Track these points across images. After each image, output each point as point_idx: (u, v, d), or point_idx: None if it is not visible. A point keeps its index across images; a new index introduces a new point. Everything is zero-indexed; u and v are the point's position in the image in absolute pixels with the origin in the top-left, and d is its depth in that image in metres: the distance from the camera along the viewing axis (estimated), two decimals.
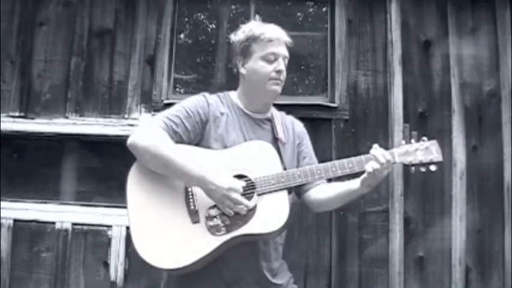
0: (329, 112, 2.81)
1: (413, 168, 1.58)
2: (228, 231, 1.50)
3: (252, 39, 1.67)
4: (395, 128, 2.79)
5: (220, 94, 1.76)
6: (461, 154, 2.76)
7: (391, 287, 2.69)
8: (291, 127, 1.76)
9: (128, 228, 2.74)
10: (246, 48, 1.68)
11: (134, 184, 1.58)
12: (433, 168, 1.57)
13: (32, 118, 2.90)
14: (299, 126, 1.80)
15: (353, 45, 2.89)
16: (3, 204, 2.80)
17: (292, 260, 1.75)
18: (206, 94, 1.71)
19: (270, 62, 1.65)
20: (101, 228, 2.79)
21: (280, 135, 1.68)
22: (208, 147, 1.61)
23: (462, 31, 2.86)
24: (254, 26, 1.70)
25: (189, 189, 1.56)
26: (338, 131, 2.79)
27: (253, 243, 1.58)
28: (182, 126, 1.59)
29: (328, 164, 1.57)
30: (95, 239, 2.79)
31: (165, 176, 1.57)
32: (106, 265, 2.77)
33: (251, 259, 1.59)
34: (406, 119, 2.80)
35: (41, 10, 2.99)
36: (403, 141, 1.60)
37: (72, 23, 2.97)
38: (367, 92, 2.86)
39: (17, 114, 2.90)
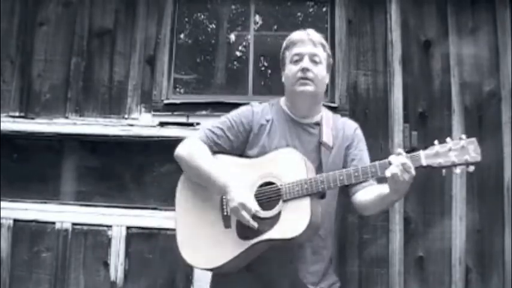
0: None
1: (444, 170, 1.49)
2: (254, 236, 1.56)
3: (284, 49, 1.76)
4: (395, 128, 2.79)
5: (272, 101, 1.82)
6: None
7: (391, 287, 2.69)
8: (342, 130, 1.76)
9: (128, 228, 2.77)
10: (282, 58, 1.78)
11: (181, 190, 1.74)
12: (470, 169, 1.48)
13: (32, 118, 2.90)
14: (350, 129, 1.79)
15: (353, 45, 2.89)
16: (3, 204, 2.80)
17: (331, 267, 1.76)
18: (254, 103, 1.78)
19: (296, 63, 1.70)
20: (101, 228, 2.79)
21: (326, 139, 1.69)
22: (250, 155, 1.69)
23: (462, 31, 2.86)
24: (289, 36, 1.77)
25: (224, 196, 1.64)
26: None
27: (289, 248, 1.61)
28: (224, 137, 1.70)
29: (351, 169, 1.57)
30: (95, 239, 2.79)
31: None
32: (106, 265, 2.77)
33: (287, 262, 1.63)
34: (406, 119, 2.80)
35: (41, 10, 3.00)
36: (436, 141, 1.50)
37: (72, 23, 2.97)
38: (367, 92, 2.86)
39: (17, 114, 2.90)
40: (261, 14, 3.14)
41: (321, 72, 1.70)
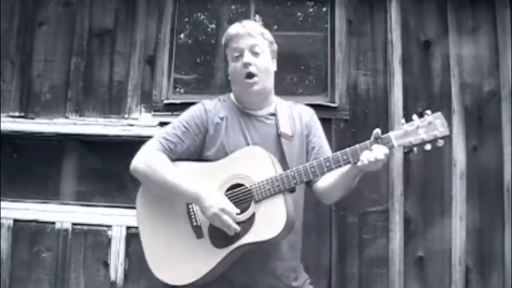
0: (329, 112, 2.81)
1: (415, 149, 1.48)
2: (230, 243, 1.51)
3: (225, 46, 1.71)
4: (395, 128, 2.78)
5: (222, 97, 1.76)
6: (461, 154, 2.76)
7: (391, 287, 2.69)
8: (299, 118, 1.73)
9: (128, 228, 2.77)
10: (225, 56, 1.72)
11: (141, 207, 1.65)
12: (439, 144, 1.46)
13: (32, 118, 2.90)
14: (307, 116, 1.76)
15: (353, 45, 2.89)
16: (3, 204, 2.80)
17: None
18: (205, 101, 1.72)
19: (237, 59, 1.65)
20: (100, 228, 2.79)
21: (285, 129, 1.65)
22: (209, 157, 1.62)
23: (462, 31, 2.86)
24: (227, 31, 1.72)
25: (190, 206, 1.58)
26: (338, 131, 2.79)
27: (263, 247, 1.56)
28: (181, 144, 1.62)
29: (322, 159, 1.54)
30: (95, 239, 2.79)
31: (167, 196, 1.60)
32: (106, 265, 2.77)
33: (263, 263, 1.59)
34: (406, 119, 2.79)
35: (41, 10, 3.00)
36: (403, 120, 1.51)
37: (72, 23, 2.97)
38: (367, 92, 2.86)
39: (17, 114, 2.90)
40: (261, 14, 3.14)
41: (264, 63, 1.65)
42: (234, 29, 1.68)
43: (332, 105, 2.82)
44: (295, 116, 1.73)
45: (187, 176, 1.58)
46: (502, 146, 2.75)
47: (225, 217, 1.48)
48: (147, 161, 1.60)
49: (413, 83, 2.84)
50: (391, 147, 1.48)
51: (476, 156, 2.76)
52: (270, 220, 1.49)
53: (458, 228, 2.71)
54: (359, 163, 1.47)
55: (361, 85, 2.87)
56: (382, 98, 2.84)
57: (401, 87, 2.82)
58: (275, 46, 1.74)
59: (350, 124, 2.81)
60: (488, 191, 2.74)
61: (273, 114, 1.70)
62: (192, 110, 1.70)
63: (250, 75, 1.62)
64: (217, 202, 1.50)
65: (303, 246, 2.59)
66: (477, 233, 2.71)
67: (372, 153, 1.46)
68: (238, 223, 1.51)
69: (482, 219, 2.72)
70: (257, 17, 3.11)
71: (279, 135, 1.64)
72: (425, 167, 2.77)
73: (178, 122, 1.67)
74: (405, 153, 2.71)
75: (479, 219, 2.72)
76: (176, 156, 1.62)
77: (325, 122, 2.76)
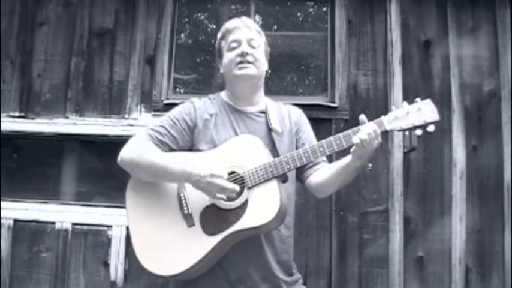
0: (329, 112, 2.81)
1: (406, 133, 1.50)
2: (222, 230, 1.49)
3: (220, 39, 1.74)
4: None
5: (212, 96, 1.78)
6: (461, 154, 2.76)
7: (391, 287, 2.69)
8: (288, 116, 1.74)
9: (128, 228, 2.76)
10: (219, 49, 1.75)
11: (131, 198, 1.63)
12: (430, 129, 1.47)
13: (32, 118, 2.90)
14: (296, 114, 1.77)
15: (353, 45, 2.89)
16: (3, 204, 2.80)
17: (293, 260, 1.74)
18: (194, 99, 1.73)
19: (233, 49, 1.67)
20: (101, 228, 2.79)
21: (275, 125, 1.66)
22: (200, 150, 1.61)
23: (462, 31, 2.86)
24: (223, 25, 1.75)
25: (181, 195, 1.58)
26: (338, 131, 2.76)
27: (256, 239, 1.56)
28: (168, 135, 1.62)
29: (315, 145, 1.55)
30: (95, 239, 2.79)
31: (157, 186, 1.60)
32: (106, 265, 2.77)
33: (257, 256, 1.58)
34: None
35: (41, 10, 3.00)
36: (393, 107, 1.53)
37: (72, 23, 2.97)
38: (367, 92, 2.86)
39: (17, 114, 2.90)
40: (261, 14, 3.14)
41: (260, 55, 1.69)
42: (232, 22, 1.72)
43: (332, 105, 2.82)
44: (284, 114, 1.75)
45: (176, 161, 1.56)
46: (502, 146, 2.75)
47: (217, 180, 1.46)
48: (133, 148, 1.61)
49: (413, 83, 2.84)
50: (383, 131, 1.50)
51: (476, 156, 2.76)
52: (264, 206, 1.48)
53: (458, 228, 2.71)
54: (353, 139, 1.47)
55: (361, 85, 2.87)
56: (382, 98, 2.84)
57: (401, 87, 2.82)
58: (268, 48, 1.78)
59: (350, 124, 2.80)
60: (488, 191, 2.74)
61: (263, 112, 1.71)
62: (181, 106, 1.70)
63: (245, 62, 1.65)
64: (205, 170, 1.48)
65: (303, 246, 2.60)
66: (477, 233, 2.71)
67: (363, 131, 1.47)
68: (230, 210, 1.50)
69: (482, 219, 2.72)
70: (257, 17, 3.12)
71: (270, 130, 1.65)
72: (425, 167, 2.77)
73: (166, 116, 1.68)
74: (405, 153, 2.71)
75: (479, 219, 2.72)
76: (164, 147, 1.61)
77: (325, 122, 2.80)
